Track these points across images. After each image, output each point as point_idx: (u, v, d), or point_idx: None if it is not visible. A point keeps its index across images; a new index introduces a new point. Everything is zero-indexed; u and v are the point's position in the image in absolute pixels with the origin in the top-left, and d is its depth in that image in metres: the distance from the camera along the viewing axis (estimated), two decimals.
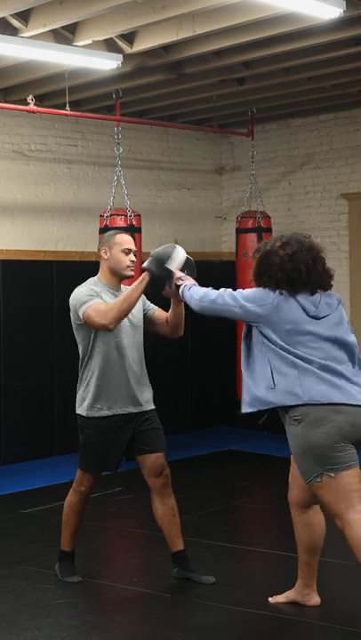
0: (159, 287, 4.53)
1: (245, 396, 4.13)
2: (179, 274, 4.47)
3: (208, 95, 8.06)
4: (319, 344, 4.03)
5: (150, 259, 4.56)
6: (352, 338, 4.15)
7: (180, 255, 4.53)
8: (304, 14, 5.58)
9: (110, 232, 4.91)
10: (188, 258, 4.63)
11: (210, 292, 4.21)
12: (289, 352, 4.00)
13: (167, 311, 4.83)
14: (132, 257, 4.73)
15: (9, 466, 7.97)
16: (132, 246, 4.77)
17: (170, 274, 4.48)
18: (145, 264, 4.56)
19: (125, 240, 4.76)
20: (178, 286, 4.41)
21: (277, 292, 4.05)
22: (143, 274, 4.53)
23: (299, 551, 4.36)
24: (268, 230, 8.48)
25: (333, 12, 5.39)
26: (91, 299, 4.61)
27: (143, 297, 4.86)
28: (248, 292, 4.14)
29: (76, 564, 4.94)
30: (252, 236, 8.42)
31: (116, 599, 4.68)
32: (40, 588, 4.79)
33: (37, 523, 6.13)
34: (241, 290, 4.17)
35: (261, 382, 4.05)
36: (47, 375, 8.30)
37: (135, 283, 4.56)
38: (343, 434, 3.94)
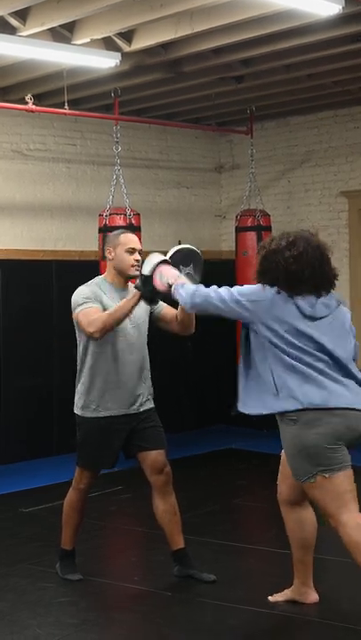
0: (150, 299, 4.49)
1: (245, 398, 4.07)
2: (169, 272, 4.33)
3: (207, 93, 8.06)
4: (315, 346, 3.97)
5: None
6: (351, 340, 4.10)
7: (151, 259, 4.46)
8: (303, 11, 5.57)
9: (116, 232, 4.90)
10: (191, 251, 4.58)
11: (201, 288, 4.11)
12: (289, 355, 3.94)
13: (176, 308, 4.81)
14: (136, 256, 4.71)
15: (9, 465, 7.97)
16: (137, 245, 4.75)
17: (148, 278, 4.41)
18: (135, 283, 4.54)
19: (130, 239, 4.75)
20: (170, 285, 4.29)
21: (275, 289, 3.99)
22: (134, 292, 4.52)
23: (292, 549, 4.36)
24: (268, 229, 8.47)
25: (333, 9, 5.38)
26: (86, 302, 4.62)
27: None
28: (245, 288, 4.08)
29: (77, 563, 4.94)
30: (252, 235, 8.42)
31: (116, 597, 4.68)
32: (41, 587, 4.79)
33: (38, 522, 6.12)
34: (237, 286, 4.10)
35: (263, 387, 3.99)
36: (47, 375, 8.29)
37: (126, 299, 4.55)
38: (338, 435, 3.92)
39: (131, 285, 4.76)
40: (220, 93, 8.09)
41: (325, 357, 3.98)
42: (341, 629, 4.14)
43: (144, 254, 7.76)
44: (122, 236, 4.78)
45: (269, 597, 4.46)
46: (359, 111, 8.92)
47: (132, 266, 4.70)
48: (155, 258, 4.47)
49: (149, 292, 4.44)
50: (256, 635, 4.22)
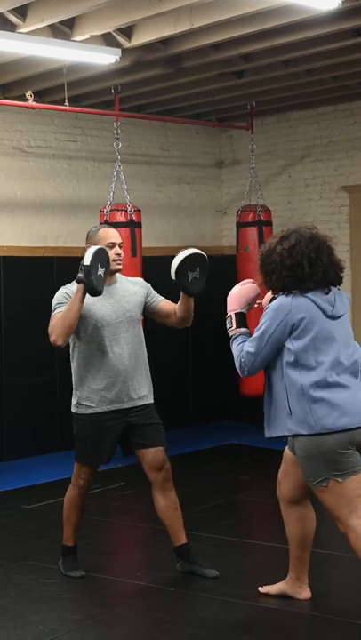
0: (93, 288, 4.46)
1: (266, 420, 4.07)
2: (231, 311, 4.18)
3: (207, 89, 8.05)
4: (335, 348, 3.94)
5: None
6: (355, 343, 4.09)
7: (90, 250, 4.49)
8: (302, 6, 5.56)
9: (94, 228, 4.90)
10: (197, 255, 4.58)
11: (245, 359, 3.96)
12: (301, 367, 3.90)
13: (175, 302, 4.80)
14: (117, 250, 4.71)
15: (12, 462, 7.97)
16: (117, 239, 4.76)
17: (86, 267, 4.43)
18: (77, 277, 4.52)
19: (110, 234, 4.76)
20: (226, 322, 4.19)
21: (290, 296, 3.94)
22: (78, 285, 4.53)
23: (290, 546, 4.35)
24: (269, 224, 8.46)
25: (332, 3, 5.37)
26: (57, 307, 4.66)
27: (148, 287, 4.87)
28: (269, 315, 3.95)
29: (79, 559, 4.95)
30: (253, 230, 8.41)
31: (119, 593, 4.69)
32: (44, 583, 4.80)
33: (40, 518, 6.13)
34: (261, 327, 3.96)
35: (280, 407, 3.97)
36: (48, 371, 8.29)
37: (73, 296, 4.56)
38: (353, 440, 3.92)
39: (118, 276, 4.76)
40: (220, 89, 8.08)
41: (342, 362, 3.94)
42: (347, 625, 4.14)
43: (145, 250, 7.82)
44: (101, 230, 4.79)
45: (260, 588, 4.47)
46: (359, 106, 8.91)
47: (114, 260, 4.70)
48: (92, 248, 4.49)
49: (93, 281, 4.44)
50: (259, 630, 4.22)
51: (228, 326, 4.16)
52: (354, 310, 8.91)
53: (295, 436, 3.95)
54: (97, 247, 4.53)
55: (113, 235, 4.76)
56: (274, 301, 3.99)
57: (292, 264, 3.94)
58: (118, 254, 4.71)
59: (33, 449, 8.23)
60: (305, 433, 3.90)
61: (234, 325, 4.12)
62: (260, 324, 3.98)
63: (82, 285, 4.49)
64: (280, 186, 9.51)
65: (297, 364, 3.91)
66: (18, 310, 8.15)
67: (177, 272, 4.53)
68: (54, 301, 4.70)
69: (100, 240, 4.72)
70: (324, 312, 3.95)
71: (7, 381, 8.11)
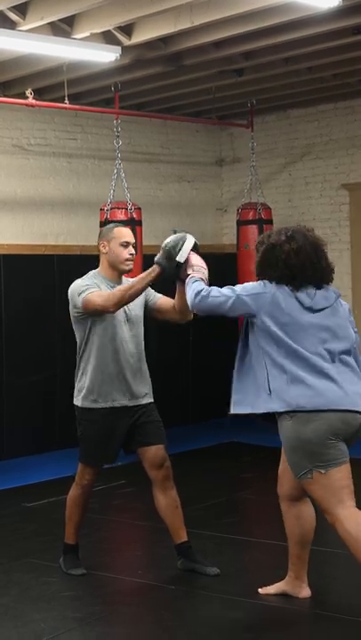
0: (168, 281, 4.48)
1: (238, 397, 4.11)
2: (194, 261, 4.36)
3: (207, 87, 8.05)
4: (313, 339, 4.01)
5: (161, 252, 4.49)
6: (351, 332, 4.14)
7: (189, 245, 4.45)
8: (303, 3, 5.56)
9: (109, 225, 4.90)
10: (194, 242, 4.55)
11: (206, 291, 4.08)
12: (283, 351, 3.97)
13: (172, 297, 4.78)
14: (130, 250, 4.71)
15: (12, 460, 7.97)
16: (131, 239, 4.75)
17: (180, 265, 4.40)
18: (156, 257, 4.49)
19: (124, 233, 4.75)
20: (187, 275, 4.31)
21: (274, 284, 4.05)
22: (153, 266, 4.49)
23: (290, 544, 4.37)
24: (269, 222, 8.47)
25: (332, 1, 5.37)
26: (89, 287, 4.62)
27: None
28: (246, 284, 4.12)
29: (81, 557, 4.95)
30: (253, 228, 8.41)
31: (120, 591, 4.69)
32: (44, 581, 4.80)
33: (41, 517, 6.13)
34: (238, 285, 4.14)
35: (257, 386, 4.04)
36: (49, 369, 8.29)
37: (143, 274, 4.53)
38: (333, 430, 3.94)
39: (125, 279, 4.76)
40: (221, 87, 8.07)
41: (323, 351, 4.01)
42: (343, 622, 4.14)
43: (145, 249, 7.82)
44: (116, 229, 4.78)
45: (260, 590, 4.47)
46: (359, 104, 8.91)
47: (126, 260, 4.70)
48: (190, 241, 4.45)
49: (174, 268, 4.42)
50: (260, 627, 4.22)
51: (190, 273, 4.26)
52: (354, 310, 8.91)
53: (276, 413, 4.00)
54: (193, 240, 4.49)
55: (127, 234, 4.76)
56: (257, 282, 4.12)
57: (296, 264, 4.04)
58: (132, 254, 4.71)
59: (33, 447, 8.23)
60: (280, 410, 3.95)
61: (199, 276, 4.25)
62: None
63: (159, 270, 4.45)
64: (280, 184, 9.51)
65: (278, 347, 3.98)
66: (18, 308, 8.15)
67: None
68: (82, 285, 4.62)
69: (114, 238, 4.71)
70: (301, 303, 4.03)
71: (7, 380, 8.11)
